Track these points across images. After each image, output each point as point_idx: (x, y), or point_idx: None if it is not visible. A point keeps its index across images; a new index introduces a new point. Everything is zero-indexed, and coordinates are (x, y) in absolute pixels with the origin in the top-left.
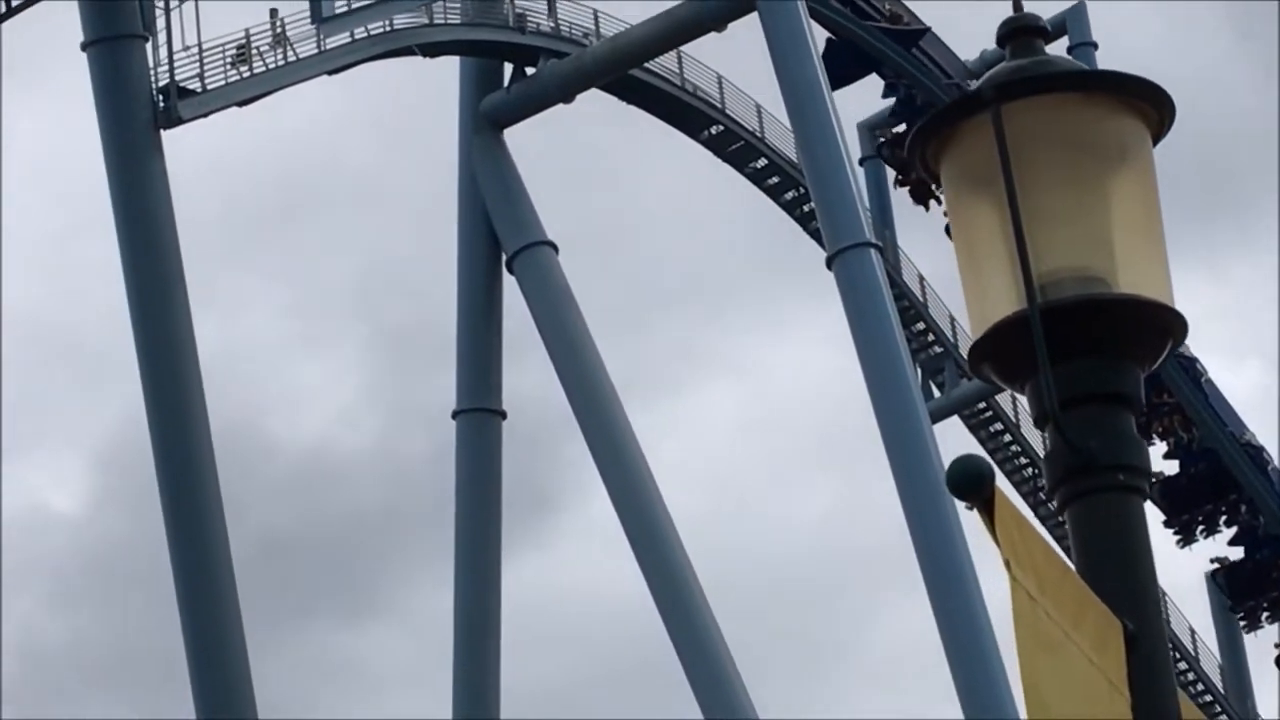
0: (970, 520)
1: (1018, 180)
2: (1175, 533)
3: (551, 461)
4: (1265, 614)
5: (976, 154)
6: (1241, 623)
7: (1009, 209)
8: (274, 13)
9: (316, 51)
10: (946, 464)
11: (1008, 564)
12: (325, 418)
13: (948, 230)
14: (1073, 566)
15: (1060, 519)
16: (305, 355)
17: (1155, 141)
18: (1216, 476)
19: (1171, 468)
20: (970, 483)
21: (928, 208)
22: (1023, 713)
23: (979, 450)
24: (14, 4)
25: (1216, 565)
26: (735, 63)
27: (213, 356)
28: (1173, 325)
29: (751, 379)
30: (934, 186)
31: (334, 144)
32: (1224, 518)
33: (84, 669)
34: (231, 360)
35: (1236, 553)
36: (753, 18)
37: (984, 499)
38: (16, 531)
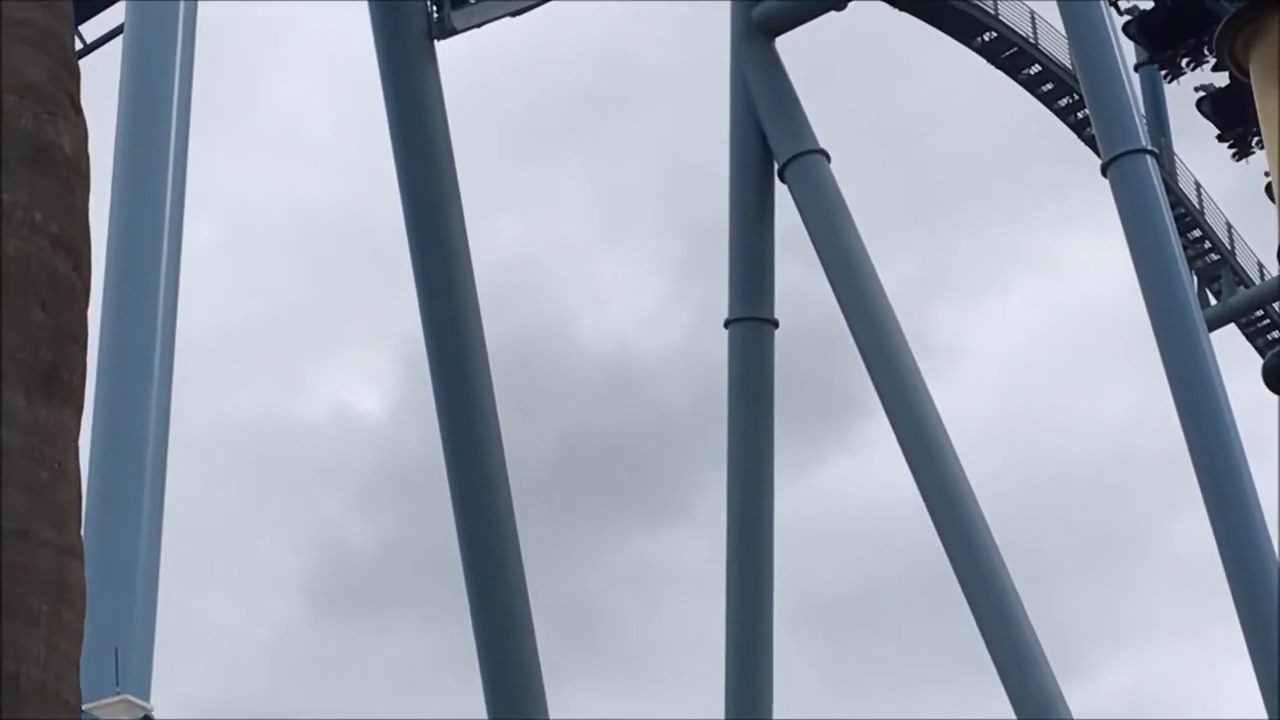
0: (1248, 429)
1: None
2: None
3: (837, 367)
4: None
5: None
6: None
7: None
8: None
9: None
10: (1223, 373)
11: None
12: (629, 319)
13: (1199, 105)
14: None
15: None
16: (610, 256)
17: None
18: None
19: None
20: None
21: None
22: None
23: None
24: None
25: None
26: None
27: (520, 259)
28: None
29: (1043, 282)
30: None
31: (616, 50)
32: None
33: (388, 570)
34: (538, 262)
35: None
36: None
37: None
38: (322, 433)
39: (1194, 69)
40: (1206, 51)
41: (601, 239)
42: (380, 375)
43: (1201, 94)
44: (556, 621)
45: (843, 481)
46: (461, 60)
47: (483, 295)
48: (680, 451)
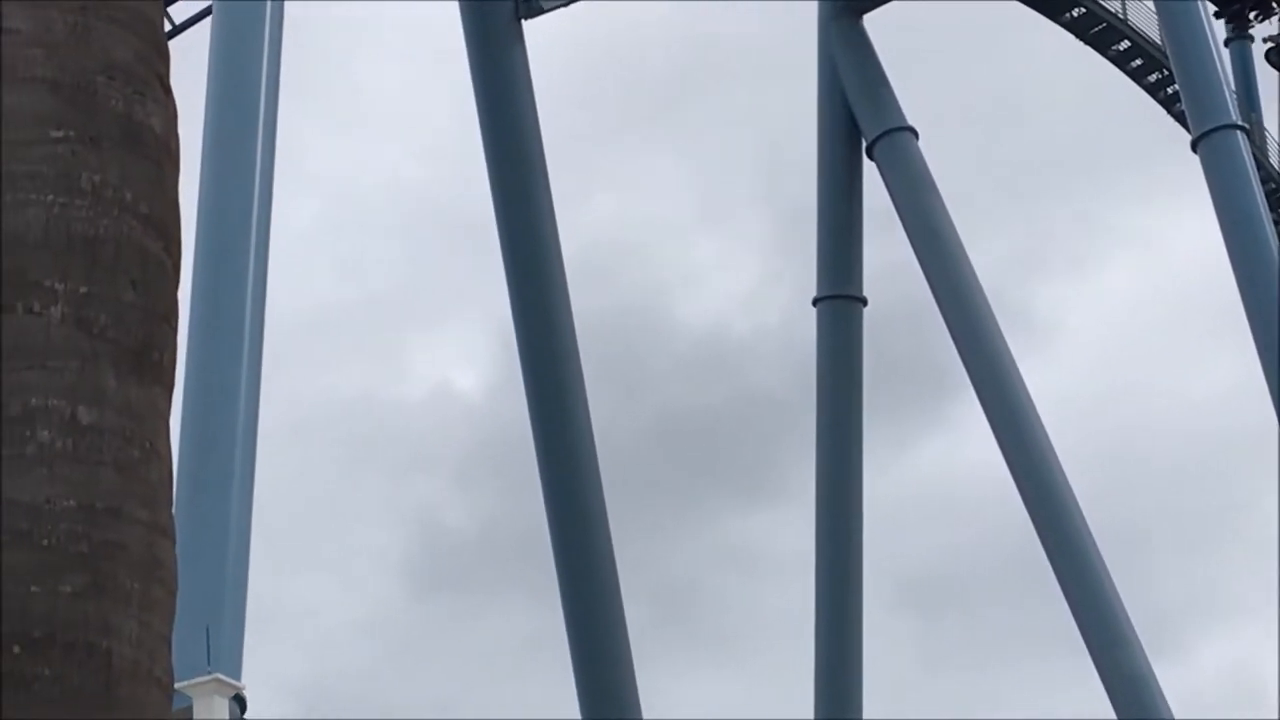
0: None
1: None
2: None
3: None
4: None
5: None
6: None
7: None
8: None
9: None
10: None
11: None
12: (725, 298)
13: (1268, 56)
14: None
15: None
16: (706, 235)
17: None
18: None
19: None
20: None
21: None
22: None
23: None
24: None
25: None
26: None
27: (616, 238)
28: None
29: (1138, 258)
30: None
31: (705, 28)
32: None
33: (485, 549)
34: (635, 241)
35: None
36: None
37: None
38: (421, 412)
39: (1262, 20)
40: (1274, 4)
41: (698, 217)
42: (478, 354)
43: (1271, 45)
44: (652, 600)
45: (941, 459)
46: (556, 39)
47: (579, 274)
48: (776, 430)
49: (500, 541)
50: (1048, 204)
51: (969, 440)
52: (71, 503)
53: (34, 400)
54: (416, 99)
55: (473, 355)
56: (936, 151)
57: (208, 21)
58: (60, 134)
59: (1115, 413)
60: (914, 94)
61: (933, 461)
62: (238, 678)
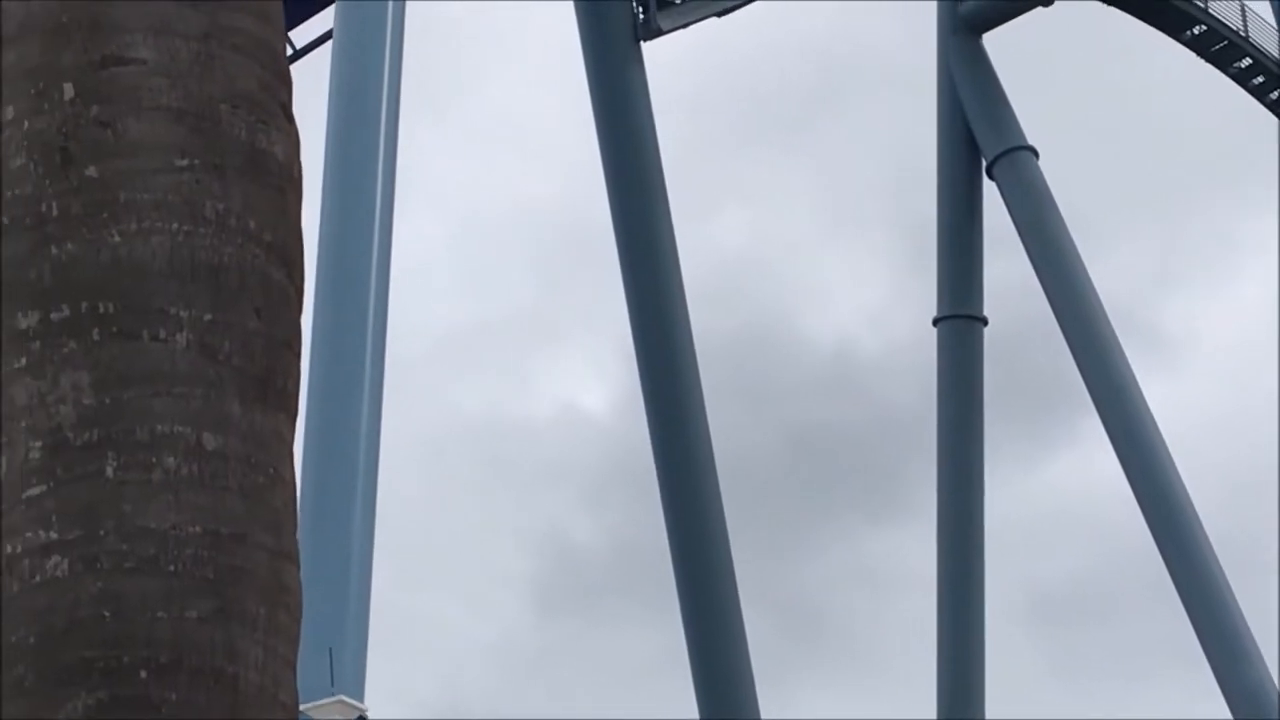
0: None
1: None
2: None
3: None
4: None
5: None
6: None
7: None
8: None
9: None
10: None
11: None
12: (853, 315)
13: None
14: None
15: None
16: (834, 252)
17: None
18: None
19: None
20: None
21: None
22: None
23: None
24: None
25: None
26: None
27: (744, 255)
28: None
29: (1266, 273)
30: None
31: (824, 48)
32: None
33: (614, 568)
34: (763, 258)
35: None
36: None
37: None
38: (549, 431)
39: None
40: None
41: (825, 235)
42: (605, 372)
43: None
44: (781, 617)
45: (1071, 475)
46: (684, 59)
47: (708, 291)
48: (904, 447)
49: (629, 560)
50: (1173, 220)
51: (1099, 456)
52: (197, 529)
53: (160, 427)
54: (545, 117)
55: (600, 373)
56: (1056, 170)
57: (328, 46)
58: (184, 162)
59: (1249, 425)
60: (1034, 113)
61: (1064, 477)
62: (360, 699)
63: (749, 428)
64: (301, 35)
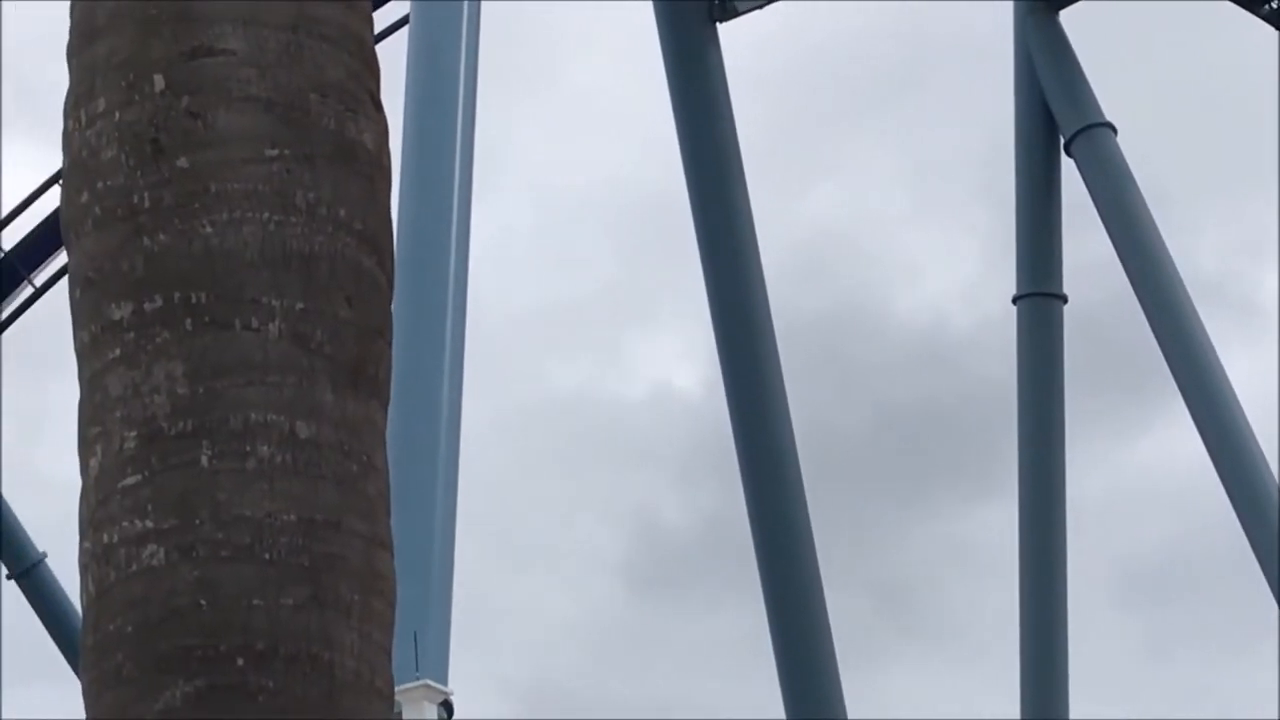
0: None
1: None
2: None
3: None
4: None
5: None
6: None
7: None
8: None
9: None
10: None
11: None
12: (943, 292)
13: None
14: None
15: None
16: (923, 229)
17: None
18: None
19: None
20: None
21: None
22: None
23: None
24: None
25: None
26: None
27: (833, 233)
28: None
29: None
30: None
31: (902, 25)
32: None
33: (705, 549)
34: (852, 236)
35: None
36: None
37: None
38: (641, 411)
39: None
40: None
41: (914, 212)
42: (697, 352)
43: None
44: (873, 597)
45: (1161, 451)
46: (766, 42)
47: (796, 270)
48: (995, 425)
49: (719, 539)
50: (1263, 195)
51: (1186, 433)
52: (292, 517)
53: (253, 415)
54: (627, 95)
55: (692, 352)
56: (1136, 147)
57: (404, 32)
58: (275, 152)
59: None
60: (1112, 90)
61: (1152, 453)
62: (444, 683)
63: (839, 406)
64: (377, 21)
